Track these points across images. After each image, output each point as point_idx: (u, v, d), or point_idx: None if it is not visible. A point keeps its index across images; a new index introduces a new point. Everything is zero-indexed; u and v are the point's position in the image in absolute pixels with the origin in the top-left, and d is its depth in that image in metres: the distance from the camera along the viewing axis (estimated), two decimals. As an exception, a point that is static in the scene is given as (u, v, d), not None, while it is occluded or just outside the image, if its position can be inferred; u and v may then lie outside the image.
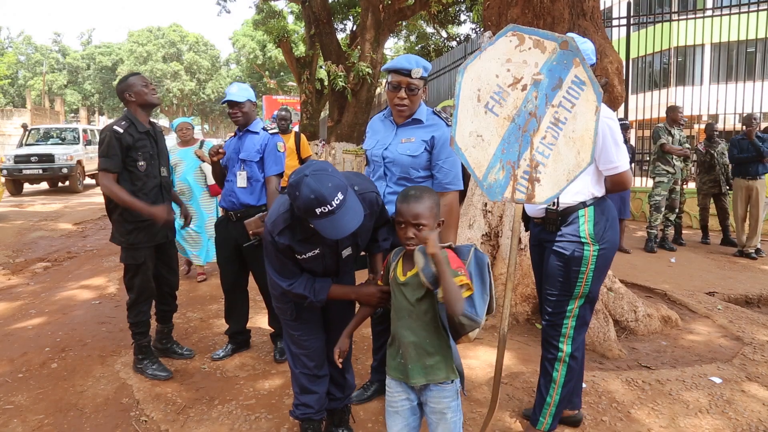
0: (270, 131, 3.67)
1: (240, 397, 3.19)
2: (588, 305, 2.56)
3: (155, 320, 3.81)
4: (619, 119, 7.88)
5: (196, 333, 4.26)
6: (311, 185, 1.92)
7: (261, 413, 2.99)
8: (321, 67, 17.94)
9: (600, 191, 2.55)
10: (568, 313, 2.54)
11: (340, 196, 1.95)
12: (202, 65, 61.05)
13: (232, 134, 3.87)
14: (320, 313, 2.49)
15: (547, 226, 2.59)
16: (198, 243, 5.77)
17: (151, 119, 3.59)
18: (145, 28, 62.17)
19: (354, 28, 21.36)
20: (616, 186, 2.57)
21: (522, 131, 2.21)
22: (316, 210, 1.93)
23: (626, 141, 7.80)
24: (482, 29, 5.67)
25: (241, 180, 3.54)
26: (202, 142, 5.88)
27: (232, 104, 3.59)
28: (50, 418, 2.98)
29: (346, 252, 2.34)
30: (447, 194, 2.68)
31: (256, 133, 3.64)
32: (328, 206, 1.92)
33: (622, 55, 8.76)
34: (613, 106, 4.33)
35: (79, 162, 16.18)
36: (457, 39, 23.97)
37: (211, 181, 5.60)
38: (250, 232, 3.41)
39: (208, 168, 5.56)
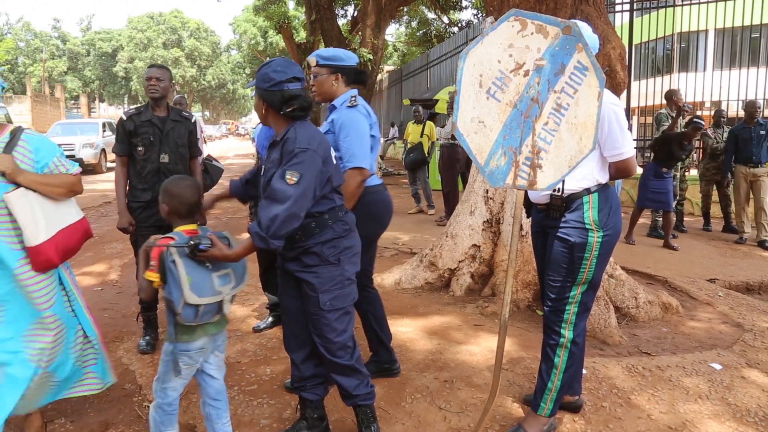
0: None
1: (242, 382, 3.21)
2: (591, 291, 2.57)
3: None
4: (694, 118, 6.70)
5: (198, 319, 4.28)
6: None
7: (263, 398, 3.01)
8: (322, 53, 17.83)
9: (604, 178, 2.54)
10: (570, 299, 2.53)
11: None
12: (203, 52, 60.79)
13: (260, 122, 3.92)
14: (298, 302, 2.46)
15: (550, 212, 2.58)
16: None
17: (176, 107, 3.76)
18: (146, 14, 61.83)
19: (355, 14, 21.21)
20: (620, 172, 2.56)
21: (524, 117, 2.20)
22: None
23: (691, 140, 6.79)
24: (484, 15, 5.64)
25: None
26: (15, 133, 2.41)
27: None
28: (54, 402, 2.99)
29: (263, 169, 2.34)
30: (346, 172, 2.78)
31: None
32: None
33: (625, 41, 8.69)
34: (616, 93, 4.30)
35: None
36: (459, 25, 23.82)
37: (40, 235, 2.34)
38: None
39: (30, 202, 2.33)
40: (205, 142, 8.33)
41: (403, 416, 2.80)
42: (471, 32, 15.42)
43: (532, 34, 2.16)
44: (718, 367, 3.36)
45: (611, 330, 3.89)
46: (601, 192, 2.51)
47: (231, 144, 39.88)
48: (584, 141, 2.14)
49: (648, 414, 2.83)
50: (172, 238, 2.22)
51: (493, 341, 3.63)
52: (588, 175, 2.48)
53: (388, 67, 32.16)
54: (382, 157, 17.60)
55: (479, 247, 4.81)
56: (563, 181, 2.43)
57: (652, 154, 6.95)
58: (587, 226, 2.47)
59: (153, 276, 2.17)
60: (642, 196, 6.96)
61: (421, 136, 9.12)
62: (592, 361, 3.39)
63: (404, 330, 3.95)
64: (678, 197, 7.67)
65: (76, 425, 2.79)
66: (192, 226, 2.35)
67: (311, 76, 2.97)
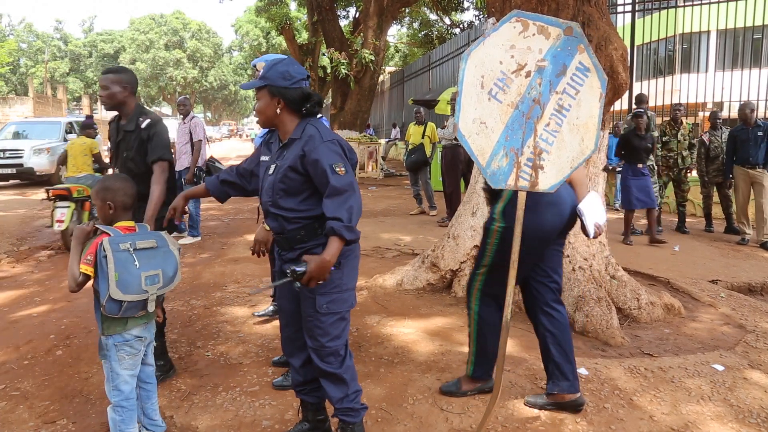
0: None
1: (244, 383, 3.21)
2: (494, 278, 2.78)
3: None
4: (635, 110, 7.22)
5: (200, 320, 4.28)
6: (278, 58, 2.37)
7: (265, 399, 3.01)
8: (324, 54, 17.88)
9: None
10: (476, 275, 2.87)
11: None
12: (205, 53, 60.79)
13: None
14: (295, 305, 2.43)
15: None
16: None
17: (144, 108, 3.51)
18: (147, 15, 61.90)
19: (357, 15, 21.24)
20: None
21: (526, 118, 2.20)
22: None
23: (642, 129, 6.97)
24: (486, 16, 5.64)
25: None
26: None
27: None
28: (56, 404, 3.00)
29: (273, 167, 2.34)
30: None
31: None
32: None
33: (627, 42, 8.70)
34: (618, 94, 4.30)
35: None
36: (461, 26, 23.84)
37: None
38: None
39: None
40: (208, 143, 8.32)
41: (405, 417, 2.80)
42: (473, 33, 15.43)
43: (533, 35, 2.17)
44: (720, 368, 3.36)
45: (613, 331, 3.89)
46: None
47: (233, 145, 39.89)
48: (586, 142, 2.15)
49: (650, 415, 2.83)
50: (107, 233, 2.33)
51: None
52: None
53: (389, 68, 32.19)
54: (383, 158, 17.62)
55: (481, 248, 4.81)
56: None
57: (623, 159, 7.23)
58: (494, 216, 2.72)
59: (88, 270, 2.29)
60: (626, 198, 7.09)
61: (423, 138, 9.13)
62: (594, 362, 3.39)
63: (406, 331, 3.95)
64: (680, 199, 7.69)
65: (78, 426, 2.79)
66: (130, 223, 2.47)
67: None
